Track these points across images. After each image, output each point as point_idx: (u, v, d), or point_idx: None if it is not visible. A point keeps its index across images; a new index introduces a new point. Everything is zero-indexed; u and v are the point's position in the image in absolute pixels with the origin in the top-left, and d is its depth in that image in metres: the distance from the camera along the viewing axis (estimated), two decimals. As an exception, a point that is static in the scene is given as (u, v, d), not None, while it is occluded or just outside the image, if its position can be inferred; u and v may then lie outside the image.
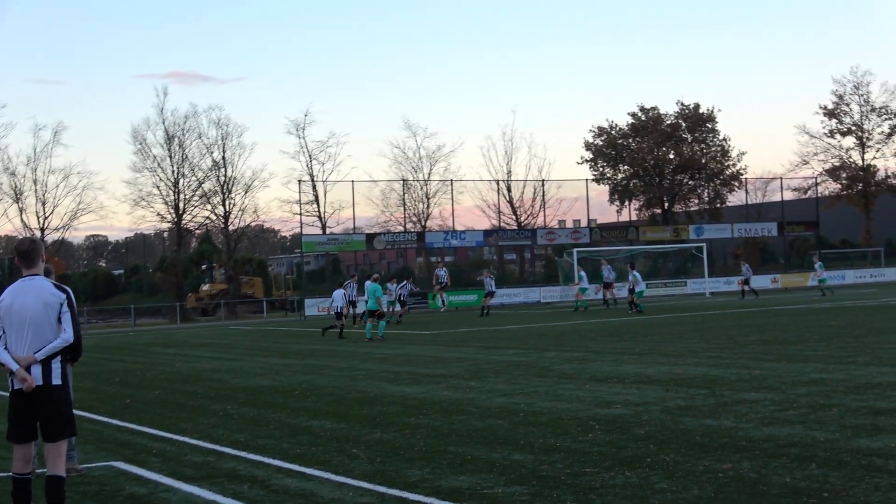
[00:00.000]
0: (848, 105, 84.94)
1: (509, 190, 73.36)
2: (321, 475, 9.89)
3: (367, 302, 32.30)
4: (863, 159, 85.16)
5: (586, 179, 75.28)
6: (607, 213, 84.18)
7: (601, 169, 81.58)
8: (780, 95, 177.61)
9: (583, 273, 47.87)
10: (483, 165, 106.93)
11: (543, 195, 71.28)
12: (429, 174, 72.50)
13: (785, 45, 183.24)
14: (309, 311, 54.69)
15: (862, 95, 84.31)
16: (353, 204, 63.59)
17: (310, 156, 70.22)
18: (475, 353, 24.32)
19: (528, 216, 73.03)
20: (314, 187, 68.52)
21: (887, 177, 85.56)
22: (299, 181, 65.76)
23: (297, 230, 67.65)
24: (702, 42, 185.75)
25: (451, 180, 68.67)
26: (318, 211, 68.24)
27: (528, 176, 73.96)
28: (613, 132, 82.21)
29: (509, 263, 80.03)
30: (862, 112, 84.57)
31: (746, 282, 51.35)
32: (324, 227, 67.96)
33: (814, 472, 8.89)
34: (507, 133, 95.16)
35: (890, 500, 7.91)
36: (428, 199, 71.45)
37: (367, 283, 32.34)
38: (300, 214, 64.65)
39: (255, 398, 16.96)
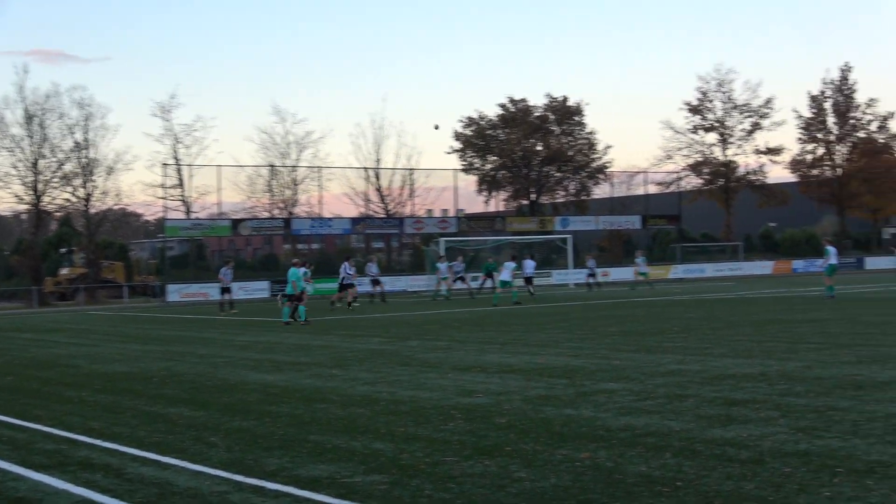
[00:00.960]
0: (711, 102, 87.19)
1: (378, 178, 73.44)
2: (177, 464, 9.72)
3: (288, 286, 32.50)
4: (724, 155, 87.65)
5: (455, 169, 76.40)
6: (475, 203, 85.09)
7: (470, 159, 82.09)
8: (647, 91, 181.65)
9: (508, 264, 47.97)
10: (352, 153, 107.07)
11: (412, 184, 71.70)
12: (297, 160, 71.94)
13: (653, 41, 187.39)
14: (171, 296, 53.89)
15: (725, 93, 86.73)
16: (219, 189, 63.00)
17: (175, 139, 68.90)
18: (339, 342, 24.24)
19: (397, 205, 73.23)
20: (179, 171, 67.24)
21: (747, 173, 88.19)
22: (164, 165, 64.89)
23: (161, 215, 66.51)
24: (572, 36, 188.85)
25: (320, 167, 68.57)
26: (183, 195, 67.14)
27: (397, 164, 74.08)
28: (483, 123, 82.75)
29: (377, 252, 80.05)
30: (724, 109, 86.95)
31: (592, 275, 52.62)
32: (188, 211, 66.92)
33: (668, 462, 9.07)
34: (376, 121, 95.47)
35: (741, 488, 8.12)
36: (296, 185, 70.80)
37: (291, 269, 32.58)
38: (164, 198, 63.82)
39: (112, 385, 16.60)
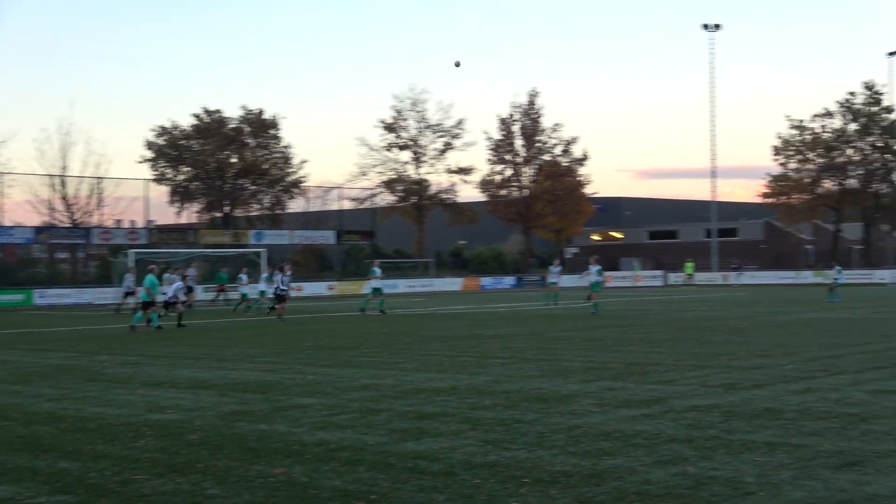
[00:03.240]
0: (406, 120, 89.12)
1: (64, 186, 70.38)
2: None
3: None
4: (417, 173, 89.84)
5: (146, 179, 74.66)
6: (167, 214, 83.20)
7: (162, 169, 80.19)
8: (344, 107, 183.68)
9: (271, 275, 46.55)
10: (36, 159, 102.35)
11: (100, 193, 69.39)
12: (-28, 165, 68.06)
13: (350, 58, 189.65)
14: None
15: (419, 112, 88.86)
16: None
17: None
18: (20, 356, 23.24)
19: (84, 214, 70.41)
20: None
21: (439, 191, 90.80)
22: None
23: None
24: (270, 48, 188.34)
25: (1, 172, 65.33)
26: None
27: (84, 172, 71.27)
28: (176, 133, 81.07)
29: (61, 262, 76.93)
30: (418, 128, 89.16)
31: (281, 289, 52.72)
32: None
33: (363, 475, 9.20)
34: (63, 126, 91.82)
35: (433, 500, 8.35)
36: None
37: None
38: None
39: None
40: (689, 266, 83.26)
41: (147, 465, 9.82)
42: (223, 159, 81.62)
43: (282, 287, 38.97)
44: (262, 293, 45.66)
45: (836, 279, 47.38)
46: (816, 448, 10.30)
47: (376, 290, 40.34)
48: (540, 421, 12.25)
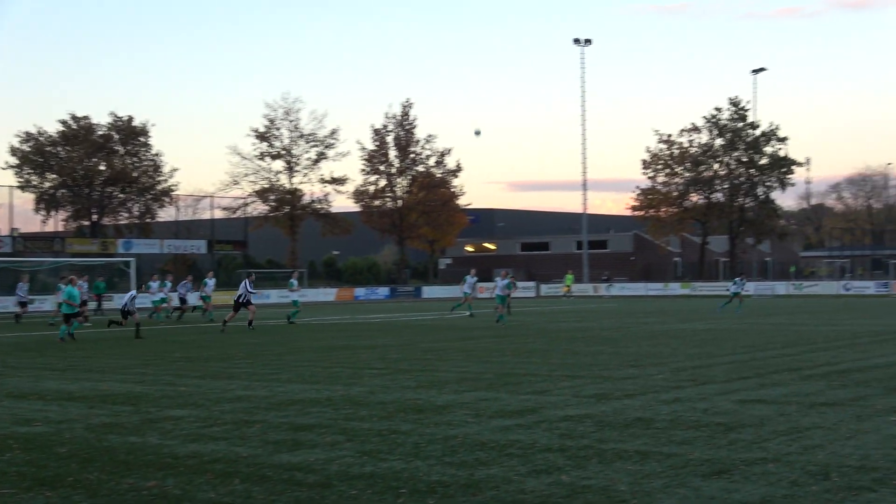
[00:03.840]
0: (279, 130, 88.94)
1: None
2: None
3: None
4: (291, 183, 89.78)
5: (10, 186, 73.01)
6: (33, 222, 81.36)
7: (27, 176, 78.31)
8: (216, 116, 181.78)
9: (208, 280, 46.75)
10: None
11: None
12: None
13: (222, 65, 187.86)
14: None
15: (292, 121, 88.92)
16: None
17: None
18: None
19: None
20: None
21: (313, 201, 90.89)
22: None
23: None
24: (140, 56, 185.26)
25: None
26: None
27: (-56, 178, 69.43)
28: (42, 139, 79.27)
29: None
30: (291, 137, 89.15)
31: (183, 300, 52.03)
32: None
33: (237, 488, 9.17)
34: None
35: None
36: None
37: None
38: None
39: None
40: (569, 278, 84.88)
41: (14, 479, 9.65)
42: (91, 167, 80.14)
43: (249, 292, 39.11)
44: (163, 300, 46.04)
45: (735, 290, 48.67)
46: (686, 456, 10.60)
47: (295, 302, 42.48)
48: (416, 431, 12.35)
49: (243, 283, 40.31)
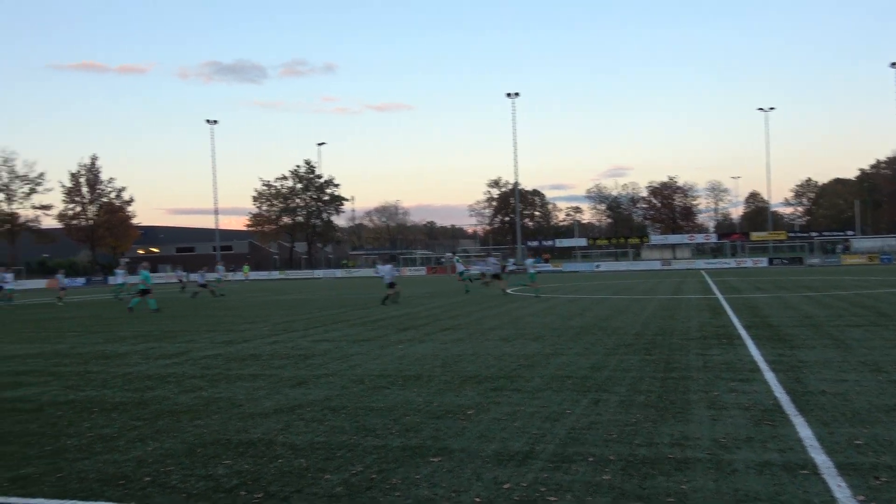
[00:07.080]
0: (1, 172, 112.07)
1: None
2: None
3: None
4: (10, 209, 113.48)
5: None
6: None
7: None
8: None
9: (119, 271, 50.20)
10: None
11: None
12: None
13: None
14: None
15: (10, 166, 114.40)
16: None
17: None
18: None
19: None
20: None
21: (27, 221, 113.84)
22: None
23: None
24: None
25: None
26: None
27: None
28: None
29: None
30: (10, 178, 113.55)
31: None
32: None
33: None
34: None
35: (28, 429, 10.18)
36: None
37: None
38: None
39: None
40: (246, 268, 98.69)
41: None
42: None
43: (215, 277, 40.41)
44: (122, 285, 49.53)
45: (507, 266, 53.06)
46: (280, 375, 13.60)
47: (144, 291, 39.83)
48: (104, 371, 14.98)
49: (220, 268, 45.39)
